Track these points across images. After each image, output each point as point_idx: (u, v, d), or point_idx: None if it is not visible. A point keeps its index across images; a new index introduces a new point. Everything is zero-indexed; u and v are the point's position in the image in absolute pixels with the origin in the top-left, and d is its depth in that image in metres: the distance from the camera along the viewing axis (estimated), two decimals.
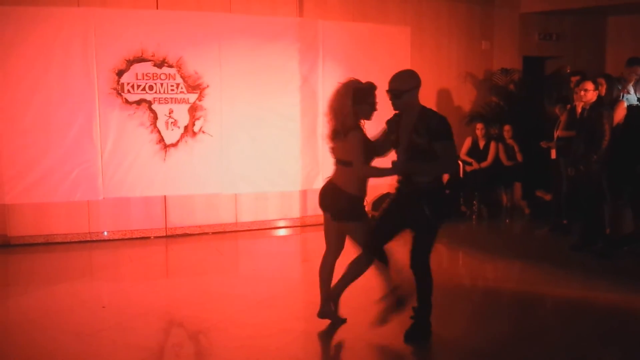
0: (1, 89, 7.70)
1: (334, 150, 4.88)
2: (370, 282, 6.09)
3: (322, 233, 5.09)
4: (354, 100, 4.70)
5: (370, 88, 4.80)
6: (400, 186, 4.85)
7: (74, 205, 8.15)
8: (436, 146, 4.56)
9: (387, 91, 4.74)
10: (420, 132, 4.59)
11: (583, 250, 7.36)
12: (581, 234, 7.59)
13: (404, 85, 4.68)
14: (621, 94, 8.06)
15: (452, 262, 7.86)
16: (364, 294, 5.56)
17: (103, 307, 5.76)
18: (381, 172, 4.80)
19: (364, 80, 4.84)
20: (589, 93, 7.21)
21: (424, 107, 4.74)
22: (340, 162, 4.83)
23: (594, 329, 5.17)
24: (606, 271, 6.72)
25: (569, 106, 8.37)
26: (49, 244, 8.04)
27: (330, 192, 4.86)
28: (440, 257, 8.10)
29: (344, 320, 5.09)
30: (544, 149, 9.08)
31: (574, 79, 8.23)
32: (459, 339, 4.97)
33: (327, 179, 4.95)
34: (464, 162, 10.08)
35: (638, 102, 7.97)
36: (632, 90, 8.16)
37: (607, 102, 7.39)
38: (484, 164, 9.95)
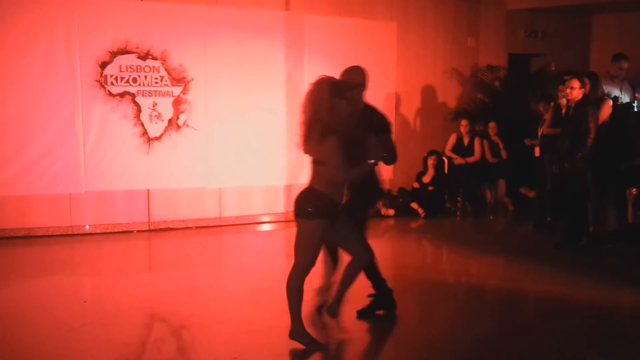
0: None
1: (307, 151, 4.52)
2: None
3: None
4: (331, 94, 4.40)
5: (349, 83, 4.64)
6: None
7: (56, 198, 8.06)
8: (381, 138, 4.62)
9: None
10: (364, 127, 4.63)
11: (566, 248, 7.37)
12: (565, 231, 7.60)
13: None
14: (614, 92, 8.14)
15: (435, 258, 7.87)
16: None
17: (84, 301, 5.69)
18: (356, 172, 4.53)
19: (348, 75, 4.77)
20: (575, 91, 7.22)
21: (367, 104, 4.87)
22: (316, 163, 4.49)
23: (577, 326, 5.19)
24: (589, 269, 6.74)
25: (552, 103, 8.40)
26: (29, 237, 7.94)
27: (302, 193, 4.55)
28: (424, 253, 8.12)
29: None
30: (528, 146, 9.12)
31: (567, 78, 8.21)
32: (442, 335, 4.96)
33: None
34: (449, 159, 10.09)
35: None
36: (614, 91, 8.26)
37: (593, 100, 7.41)
38: (471, 159, 9.95)
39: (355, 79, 4.77)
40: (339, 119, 4.41)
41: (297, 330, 4.56)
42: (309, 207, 4.41)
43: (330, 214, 4.46)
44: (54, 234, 8.07)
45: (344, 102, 4.44)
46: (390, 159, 4.94)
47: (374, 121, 4.74)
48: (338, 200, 4.53)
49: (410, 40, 10.15)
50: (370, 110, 4.88)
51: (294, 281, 4.54)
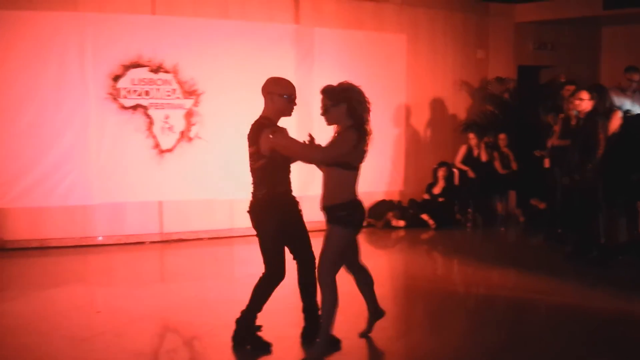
0: None
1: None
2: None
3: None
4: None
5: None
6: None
7: (69, 209, 8.13)
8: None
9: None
10: None
11: (577, 260, 7.36)
12: (576, 243, 7.59)
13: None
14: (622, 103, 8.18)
15: (446, 269, 7.88)
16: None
17: (98, 312, 5.75)
18: None
19: (361, 87, 4.78)
20: (584, 102, 7.24)
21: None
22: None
23: (587, 338, 5.18)
24: (600, 280, 6.73)
25: (561, 115, 8.41)
26: (43, 249, 8.01)
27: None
28: (435, 264, 8.13)
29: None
30: (538, 157, 9.12)
31: (569, 88, 8.30)
32: (452, 346, 4.97)
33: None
34: (459, 170, 10.09)
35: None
36: (626, 103, 8.28)
37: (602, 112, 7.42)
38: (482, 158, 9.93)
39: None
40: None
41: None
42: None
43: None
44: (68, 245, 8.13)
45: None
46: None
47: None
48: None
49: (419, 53, 10.19)
50: None
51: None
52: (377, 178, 9.82)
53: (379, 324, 5.15)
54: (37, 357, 4.63)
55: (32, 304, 5.92)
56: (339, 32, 9.34)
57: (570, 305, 5.94)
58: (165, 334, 5.34)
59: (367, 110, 4.50)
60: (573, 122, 7.79)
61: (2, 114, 7.75)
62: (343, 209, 4.43)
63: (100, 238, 8.29)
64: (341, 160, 4.42)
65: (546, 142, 8.75)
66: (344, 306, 5.52)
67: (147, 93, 8.26)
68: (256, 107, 8.69)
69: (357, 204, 4.54)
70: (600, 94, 7.48)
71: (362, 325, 5.20)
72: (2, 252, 7.84)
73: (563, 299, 6.15)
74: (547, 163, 8.78)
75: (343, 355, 4.69)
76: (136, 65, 8.18)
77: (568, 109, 8.12)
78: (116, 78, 8.10)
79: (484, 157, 9.95)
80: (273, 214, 4.72)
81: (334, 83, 4.74)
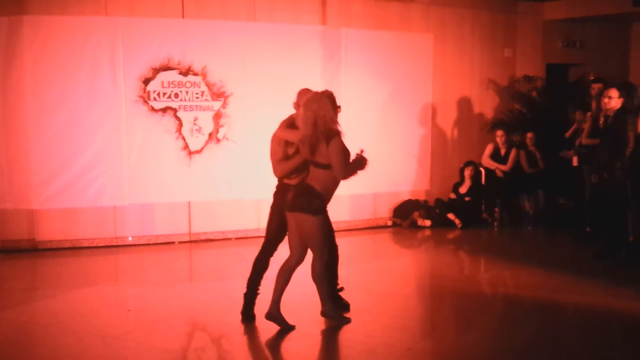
0: (31, 96, 7.89)
1: (314, 155, 5.10)
2: (390, 287, 6.13)
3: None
4: (332, 106, 5.22)
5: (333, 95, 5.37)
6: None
7: (101, 210, 8.29)
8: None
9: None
10: None
11: (606, 259, 7.32)
12: (604, 242, 7.54)
13: None
14: None
15: (473, 269, 7.86)
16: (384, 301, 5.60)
17: (128, 310, 5.87)
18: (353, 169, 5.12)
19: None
20: (613, 100, 7.19)
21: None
22: (318, 165, 5.09)
23: (617, 338, 5.15)
24: (629, 279, 6.67)
25: (589, 114, 8.34)
26: (75, 249, 8.18)
27: (305, 191, 5.11)
28: (461, 264, 8.12)
29: (291, 327, 5.23)
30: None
31: (596, 86, 8.24)
32: (479, 346, 4.99)
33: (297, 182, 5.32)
34: (486, 169, 10.04)
35: None
36: None
37: (631, 110, 7.36)
38: (502, 167, 9.88)
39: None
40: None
41: (330, 309, 5.27)
42: (315, 204, 5.00)
43: (324, 211, 5.13)
44: (99, 245, 8.30)
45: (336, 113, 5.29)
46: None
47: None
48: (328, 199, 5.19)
49: (446, 52, 10.18)
50: None
51: (320, 268, 5.24)
52: (403, 178, 9.83)
53: (404, 323, 5.19)
54: (69, 354, 4.75)
55: (65, 302, 6.06)
56: (366, 32, 9.37)
57: (599, 305, 5.90)
58: (193, 332, 5.42)
59: None
60: (601, 120, 7.73)
61: (36, 117, 7.93)
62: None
63: (130, 238, 8.43)
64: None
65: (574, 141, 8.69)
66: (368, 305, 5.58)
67: (176, 95, 8.38)
68: (284, 108, 8.84)
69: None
70: (629, 91, 7.41)
71: (386, 322, 5.25)
72: (36, 253, 8.04)
73: (592, 298, 6.11)
74: (575, 161, 8.72)
75: (368, 354, 4.73)
76: (166, 68, 8.31)
77: (596, 106, 8.06)
78: (146, 81, 8.24)
79: (509, 163, 9.87)
80: None
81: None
